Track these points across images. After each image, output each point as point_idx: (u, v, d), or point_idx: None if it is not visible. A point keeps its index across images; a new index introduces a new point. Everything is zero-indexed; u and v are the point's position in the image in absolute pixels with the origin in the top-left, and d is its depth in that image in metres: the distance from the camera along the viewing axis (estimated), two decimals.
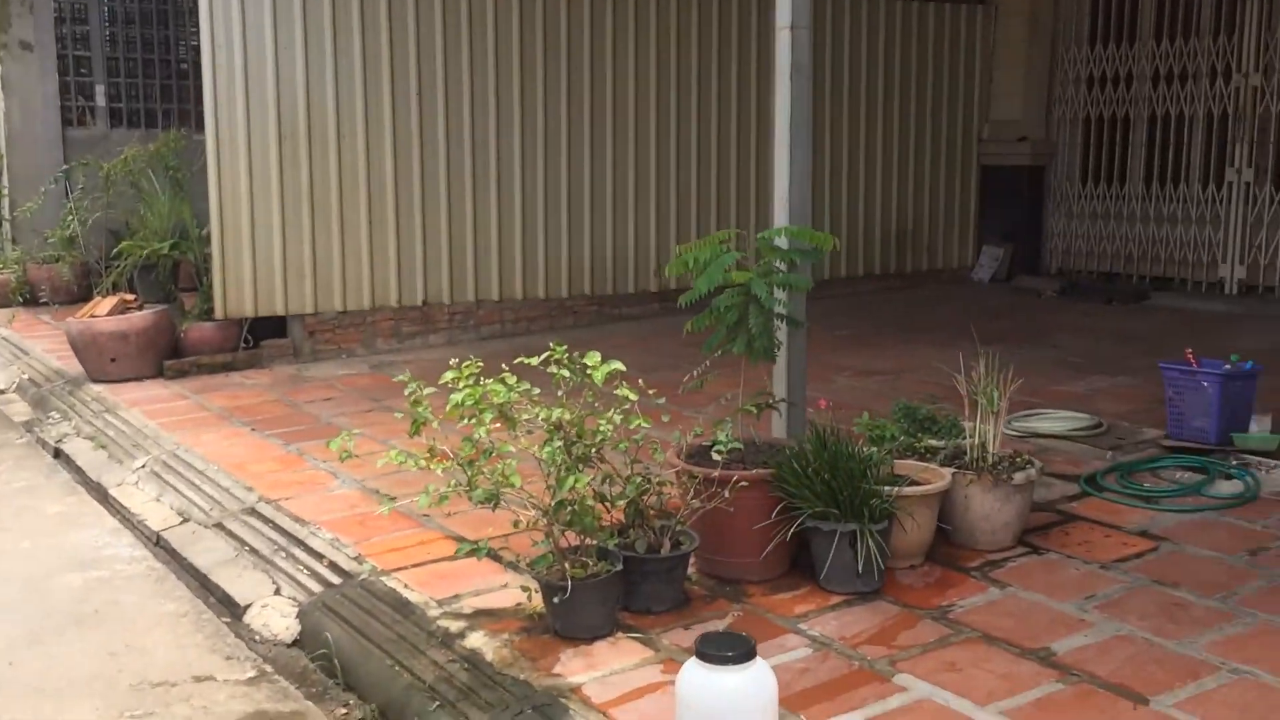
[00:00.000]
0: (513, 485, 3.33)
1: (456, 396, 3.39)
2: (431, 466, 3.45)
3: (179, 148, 7.66)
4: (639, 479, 3.58)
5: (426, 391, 3.53)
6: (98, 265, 7.74)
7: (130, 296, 7.48)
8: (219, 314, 7.56)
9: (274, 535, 4.57)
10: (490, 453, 3.38)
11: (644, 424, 3.55)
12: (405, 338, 8.25)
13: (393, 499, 3.75)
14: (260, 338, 7.78)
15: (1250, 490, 4.59)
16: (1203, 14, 9.47)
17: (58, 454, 6.17)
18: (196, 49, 11.49)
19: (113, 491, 5.39)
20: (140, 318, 7.29)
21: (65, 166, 7.44)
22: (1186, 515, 4.42)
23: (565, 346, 3.57)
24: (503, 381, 3.43)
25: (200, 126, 11.72)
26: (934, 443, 4.24)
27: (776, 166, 4.50)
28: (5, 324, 7.75)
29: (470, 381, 3.41)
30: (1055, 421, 5.50)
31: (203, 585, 4.39)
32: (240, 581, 4.27)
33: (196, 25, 11.50)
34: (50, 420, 6.74)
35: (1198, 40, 9.51)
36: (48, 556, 4.69)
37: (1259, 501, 4.54)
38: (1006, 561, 3.98)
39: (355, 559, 4.21)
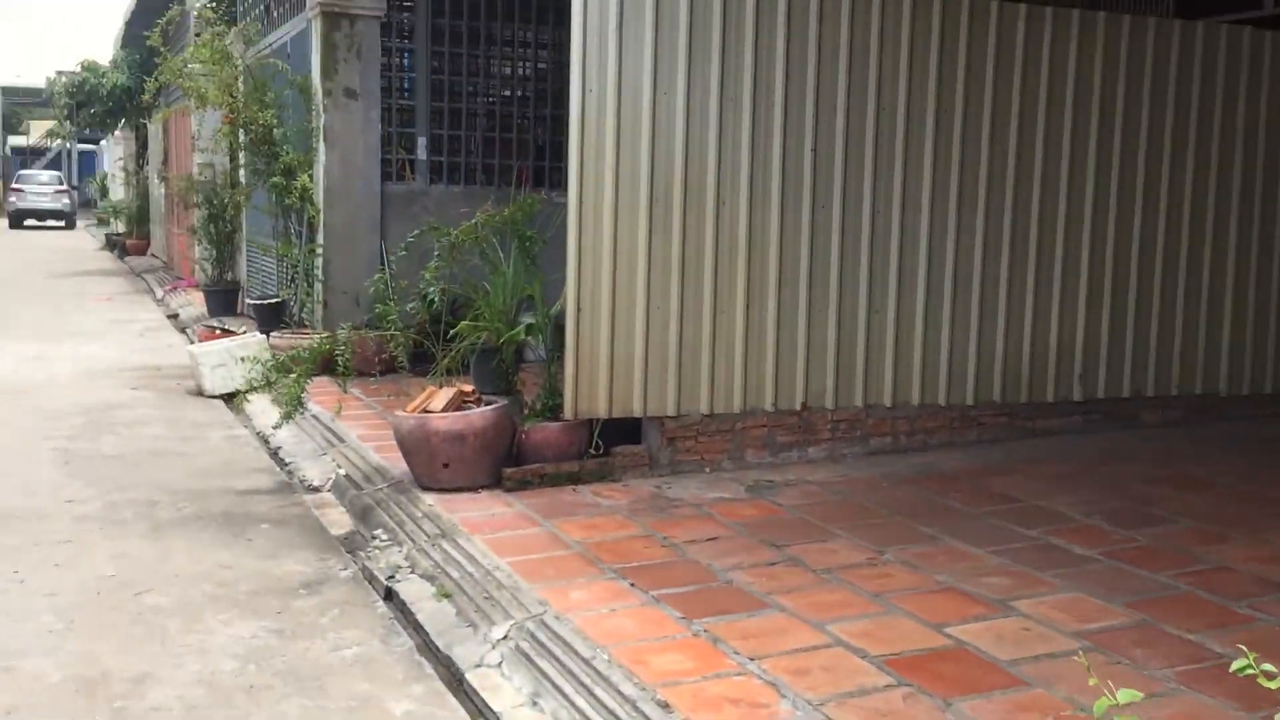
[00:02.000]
0: None
1: None
2: None
3: (533, 212, 6.41)
4: None
5: None
6: (427, 340, 6.54)
7: (468, 388, 6.24)
8: (568, 413, 6.23)
9: None
10: None
11: None
12: (779, 449, 6.70)
13: None
14: (610, 443, 6.40)
15: None
16: None
17: (389, 595, 4.89)
18: (527, 99, 10.55)
19: (470, 677, 4.00)
20: (480, 416, 6.02)
21: (416, 231, 6.22)
22: None
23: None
24: None
25: (538, 184, 10.86)
26: None
27: None
28: (333, 412, 6.66)
29: None
30: None
31: None
32: None
33: (529, 74, 10.65)
34: (377, 542, 5.50)
35: None
36: None
37: None
38: None
39: None
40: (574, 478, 6.23)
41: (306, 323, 10.26)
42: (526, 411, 6.47)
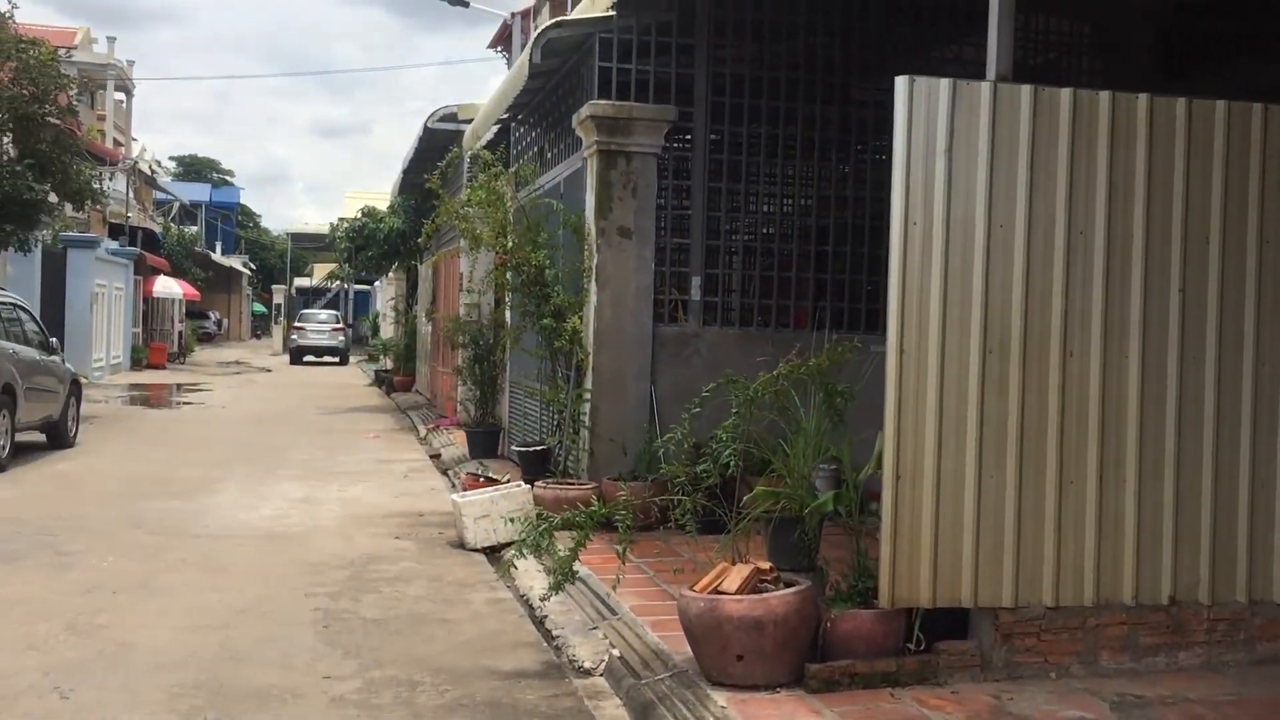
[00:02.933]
0: None
1: None
2: None
3: (842, 360, 5.57)
4: None
5: None
6: (713, 503, 5.71)
7: (765, 565, 5.36)
8: (883, 600, 5.25)
9: None
10: None
11: None
12: (1142, 653, 5.46)
13: None
14: (931, 636, 5.36)
15: None
16: None
17: None
18: (809, 235, 9.80)
19: None
20: (781, 601, 5.12)
21: (714, 384, 5.47)
22: None
23: None
24: None
25: (819, 326, 10.08)
26: None
27: None
28: (610, 585, 5.90)
29: None
30: None
31: None
32: None
33: (810, 209, 9.94)
34: None
35: None
36: None
37: None
38: None
39: None
40: (890, 678, 5.20)
41: (571, 471, 9.70)
42: (830, 594, 5.53)
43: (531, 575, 7.44)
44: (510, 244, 9.89)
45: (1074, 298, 5.37)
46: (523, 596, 7.33)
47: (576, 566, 6.59)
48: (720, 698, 5.03)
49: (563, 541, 6.21)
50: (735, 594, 5.19)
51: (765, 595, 5.16)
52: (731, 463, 5.25)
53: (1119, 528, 5.42)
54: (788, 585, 5.35)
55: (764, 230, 10.06)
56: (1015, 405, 5.32)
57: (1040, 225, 5.35)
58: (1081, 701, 5.00)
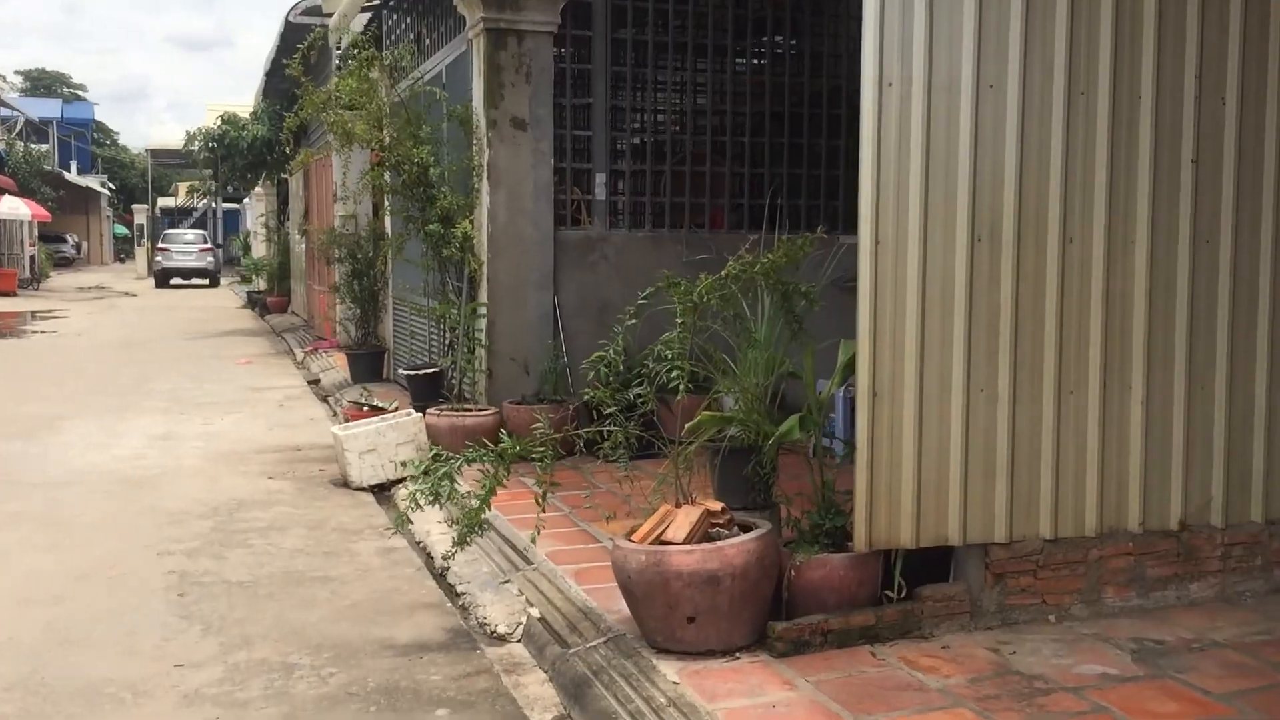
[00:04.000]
0: None
1: None
2: None
3: (799, 257, 4.60)
4: None
5: None
6: (650, 432, 4.75)
7: (715, 506, 4.43)
8: (858, 543, 4.37)
9: None
10: None
11: None
12: (1150, 587, 4.72)
13: None
14: (911, 580, 4.52)
15: None
16: None
17: None
18: (729, 124, 8.73)
19: None
20: (739, 550, 4.20)
21: (650, 289, 4.46)
22: None
23: None
24: None
25: (735, 226, 9.11)
26: None
27: None
28: (531, 537, 4.91)
29: None
30: None
31: None
32: None
33: (729, 95, 8.84)
34: None
35: None
36: None
37: None
38: None
39: None
40: (868, 633, 4.36)
41: (468, 395, 8.64)
42: (793, 536, 4.64)
43: (429, 518, 6.43)
44: (388, 139, 8.63)
45: (1074, 173, 4.48)
46: (419, 544, 6.32)
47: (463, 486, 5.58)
48: (669, 669, 4.12)
49: (467, 481, 5.20)
50: (683, 544, 4.26)
51: (720, 544, 4.24)
52: (680, 385, 4.27)
53: (1124, 443, 4.63)
54: (743, 529, 4.45)
55: (677, 121, 8.99)
56: (1008, 304, 4.44)
57: (1035, 85, 4.43)
58: (1096, 652, 4.22)
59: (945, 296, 4.37)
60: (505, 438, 4.58)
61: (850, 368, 4.66)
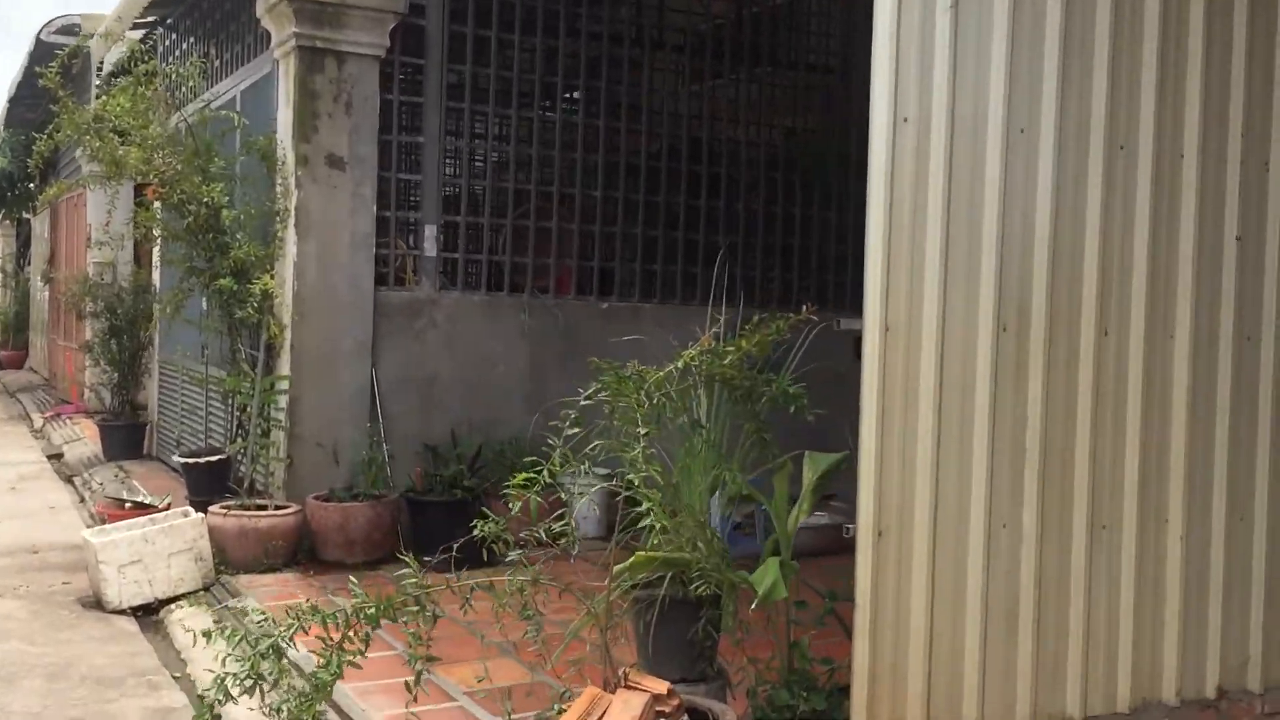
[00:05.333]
0: None
1: None
2: None
3: (769, 345, 3.42)
4: None
5: None
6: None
7: (659, 688, 3.16)
8: None
9: None
10: None
11: None
12: None
13: None
14: None
15: None
16: None
17: None
18: (587, 172, 7.50)
19: None
20: None
21: (605, 377, 3.17)
22: None
23: None
24: None
25: (582, 292, 7.87)
26: None
27: None
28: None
29: None
30: None
31: None
32: None
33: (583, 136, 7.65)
34: None
35: None
36: None
37: None
38: None
39: None
40: None
41: (261, 487, 7.03)
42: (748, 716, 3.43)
43: (213, 650, 4.85)
44: (169, 172, 7.01)
45: (1111, 247, 3.54)
46: (201, 696, 4.74)
47: (293, 651, 4.10)
48: None
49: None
50: None
51: None
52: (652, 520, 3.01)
53: (1160, 588, 3.68)
54: (699, 718, 3.21)
55: (522, 169, 7.74)
56: (1037, 407, 3.43)
57: (1070, 133, 3.47)
58: None
59: (965, 402, 3.32)
60: (357, 591, 3.20)
61: (820, 488, 3.55)
